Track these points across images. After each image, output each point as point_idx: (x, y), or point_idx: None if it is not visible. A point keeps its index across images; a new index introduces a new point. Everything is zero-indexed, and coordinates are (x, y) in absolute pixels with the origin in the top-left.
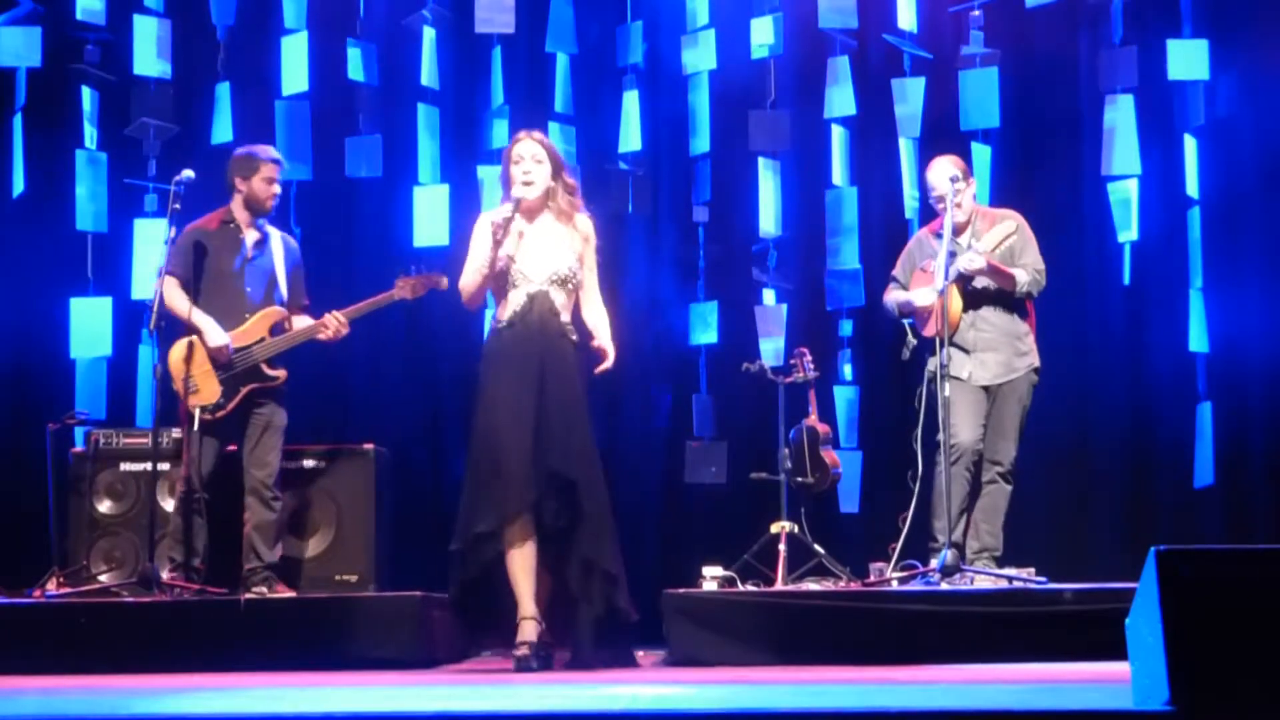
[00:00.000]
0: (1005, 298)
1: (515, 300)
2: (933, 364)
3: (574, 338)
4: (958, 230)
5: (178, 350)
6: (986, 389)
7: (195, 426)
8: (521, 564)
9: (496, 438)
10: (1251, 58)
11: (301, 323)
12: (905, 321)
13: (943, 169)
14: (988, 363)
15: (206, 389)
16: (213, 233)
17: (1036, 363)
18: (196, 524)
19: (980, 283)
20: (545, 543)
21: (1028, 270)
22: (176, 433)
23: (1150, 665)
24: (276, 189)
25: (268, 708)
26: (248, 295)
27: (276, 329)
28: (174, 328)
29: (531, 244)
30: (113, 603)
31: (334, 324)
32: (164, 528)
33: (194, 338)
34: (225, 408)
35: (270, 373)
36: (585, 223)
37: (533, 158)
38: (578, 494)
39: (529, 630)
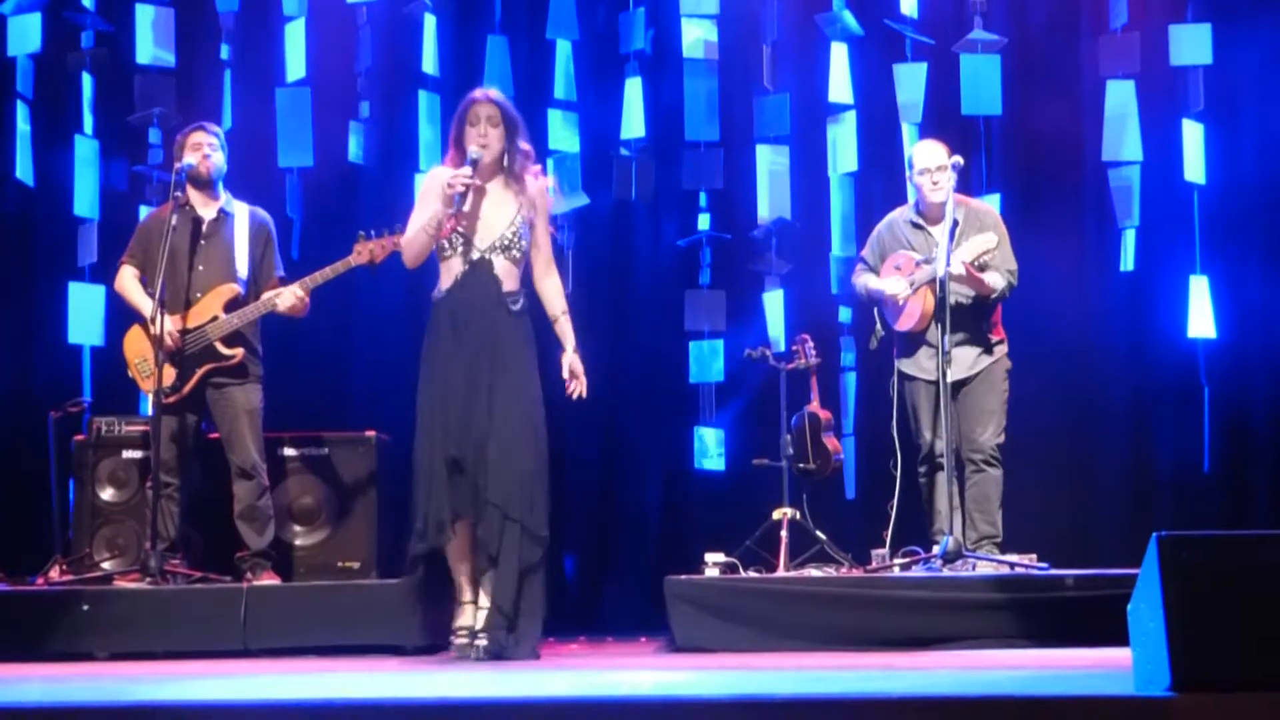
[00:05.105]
0: (973, 296)
1: (455, 268)
2: (902, 364)
3: (515, 307)
4: (934, 219)
5: (129, 336)
6: (955, 385)
7: (150, 411)
8: (458, 554)
9: (431, 428)
10: (1254, 43)
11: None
12: (875, 310)
13: (934, 151)
14: (956, 356)
15: (158, 372)
16: (165, 217)
17: (1005, 348)
18: (165, 510)
19: (955, 288)
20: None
21: (1001, 274)
22: (136, 422)
23: (1152, 651)
24: (209, 153)
25: (269, 694)
26: (200, 274)
27: (231, 306)
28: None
29: (476, 209)
30: (115, 590)
31: (290, 295)
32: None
33: (142, 323)
34: (180, 390)
35: (225, 351)
36: (535, 186)
37: (488, 120)
38: (507, 476)
39: (467, 615)
